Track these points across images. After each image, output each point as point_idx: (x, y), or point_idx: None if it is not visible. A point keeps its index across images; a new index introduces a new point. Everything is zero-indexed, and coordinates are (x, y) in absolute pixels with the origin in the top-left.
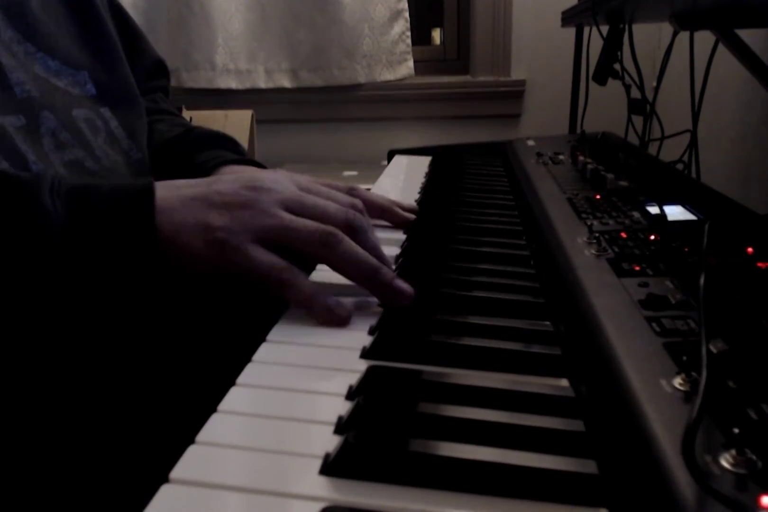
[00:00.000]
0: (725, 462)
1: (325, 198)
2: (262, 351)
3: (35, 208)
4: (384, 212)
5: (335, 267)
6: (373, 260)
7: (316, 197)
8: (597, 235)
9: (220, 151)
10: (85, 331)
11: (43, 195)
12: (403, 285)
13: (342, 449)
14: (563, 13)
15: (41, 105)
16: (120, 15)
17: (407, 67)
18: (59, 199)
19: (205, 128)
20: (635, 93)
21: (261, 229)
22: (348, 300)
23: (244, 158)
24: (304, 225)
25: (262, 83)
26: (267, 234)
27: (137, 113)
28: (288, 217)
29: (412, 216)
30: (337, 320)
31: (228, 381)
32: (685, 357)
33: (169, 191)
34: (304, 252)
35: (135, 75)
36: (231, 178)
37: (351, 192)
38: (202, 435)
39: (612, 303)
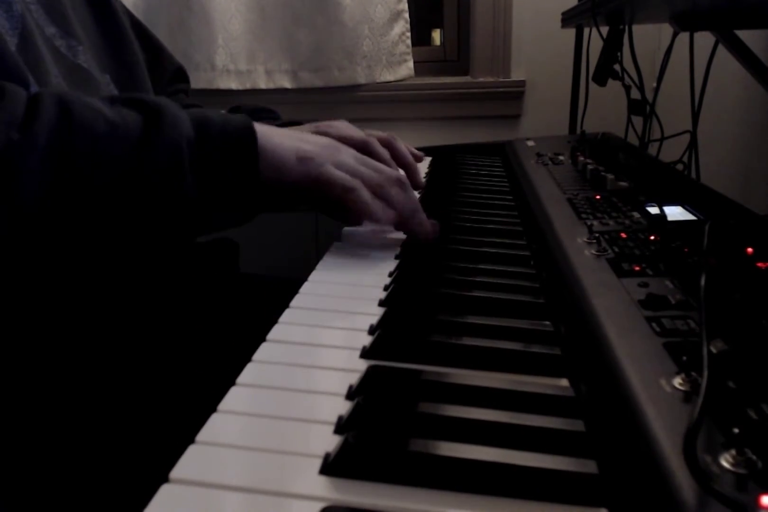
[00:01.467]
0: (725, 462)
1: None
2: (262, 351)
3: (176, 124)
4: (406, 168)
5: (390, 205)
6: (413, 204)
7: (370, 159)
8: (597, 235)
9: (267, 121)
10: (101, 327)
11: (177, 112)
12: (431, 224)
13: (342, 449)
14: (563, 14)
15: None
16: (142, 31)
17: (407, 68)
18: (187, 125)
19: (248, 104)
20: (635, 94)
21: (339, 161)
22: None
23: (289, 120)
24: (369, 172)
25: (262, 84)
26: (342, 166)
27: None
28: (358, 164)
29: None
30: (389, 217)
31: (228, 381)
32: (685, 357)
33: (268, 128)
34: (365, 188)
35: (159, 81)
36: (316, 135)
37: (388, 142)
38: (202, 435)
39: (612, 303)
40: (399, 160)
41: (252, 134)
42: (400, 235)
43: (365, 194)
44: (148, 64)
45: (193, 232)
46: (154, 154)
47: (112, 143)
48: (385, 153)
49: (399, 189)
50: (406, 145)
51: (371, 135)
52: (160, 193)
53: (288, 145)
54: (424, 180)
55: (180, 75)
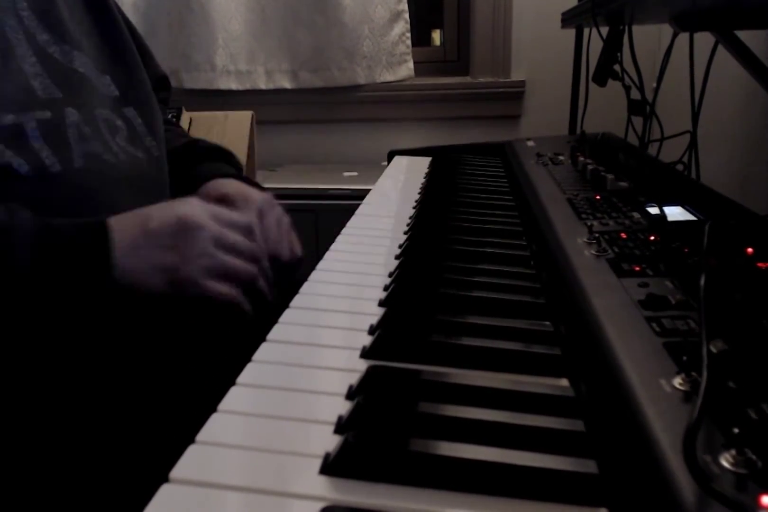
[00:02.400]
0: (725, 461)
1: (234, 227)
2: (262, 351)
3: (7, 260)
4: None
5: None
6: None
7: (231, 232)
8: (597, 235)
9: (218, 163)
10: (99, 330)
11: (15, 246)
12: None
13: (342, 449)
14: (563, 14)
15: (65, 103)
16: (132, 36)
17: (407, 68)
18: (27, 249)
19: (206, 141)
20: (635, 94)
21: (208, 267)
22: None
23: (235, 173)
24: (240, 266)
25: (262, 84)
26: (213, 270)
27: (156, 114)
28: (223, 256)
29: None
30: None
31: (228, 381)
32: (685, 357)
33: (116, 234)
34: (239, 284)
35: None
36: (159, 216)
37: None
38: (202, 434)
39: (612, 303)
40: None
41: (102, 257)
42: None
43: (245, 306)
44: None
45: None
46: None
47: None
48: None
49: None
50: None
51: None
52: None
53: (143, 264)
54: (421, 185)
55: (162, 84)
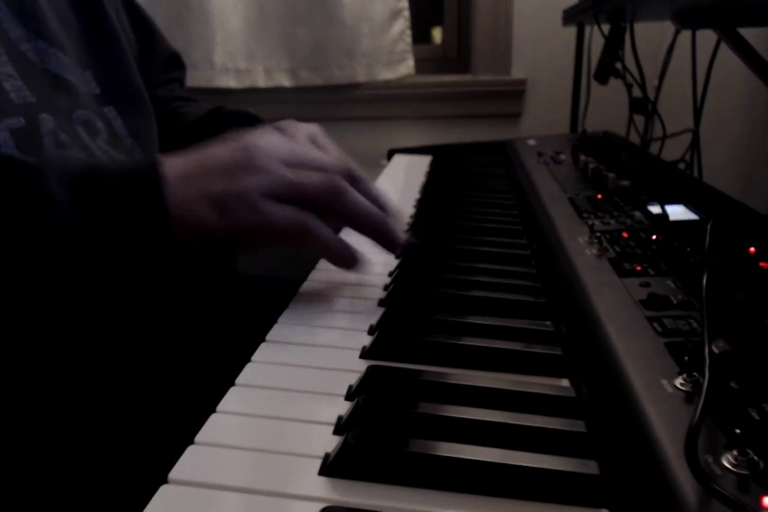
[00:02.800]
0: (727, 462)
1: (318, 150)
2: (262, 351)
3: (41, 199)
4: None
5: (343, 218)
6: (379, 212)
7: (312, 149)
8: (598, 234)
9: (242, 128)
10: (92, 325)
11: (50, 183)
12: (405, 236)
13: (341, 449)
14: (564, 11)
15: (40, 109)
16: (134, 10)
17: (407, 66)
18: (66, 187)
19: (230, 107)
20: (637, 92)
21: (267, 187)
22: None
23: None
24: (309, 177)
25: (261, 82)
26: (273, 191)
27: (142, 113)
28: (291, 172)
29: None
30: (355, 260)
31: (228, 381)
32: (686, 358)
33: (167, 168)
34: (313, 204)
35: (151, 68)
36: (224, 146)
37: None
38: (202, 435)
39: (613, 303)
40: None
41: (154, 193)
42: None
43: (323, 233)
44: (139, 48)
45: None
46: (22, 238)
47: None
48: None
49: (355, 192)
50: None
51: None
52: (50, 269)
53: (194, 193)
54: (421, 184)
55: (174, 62)
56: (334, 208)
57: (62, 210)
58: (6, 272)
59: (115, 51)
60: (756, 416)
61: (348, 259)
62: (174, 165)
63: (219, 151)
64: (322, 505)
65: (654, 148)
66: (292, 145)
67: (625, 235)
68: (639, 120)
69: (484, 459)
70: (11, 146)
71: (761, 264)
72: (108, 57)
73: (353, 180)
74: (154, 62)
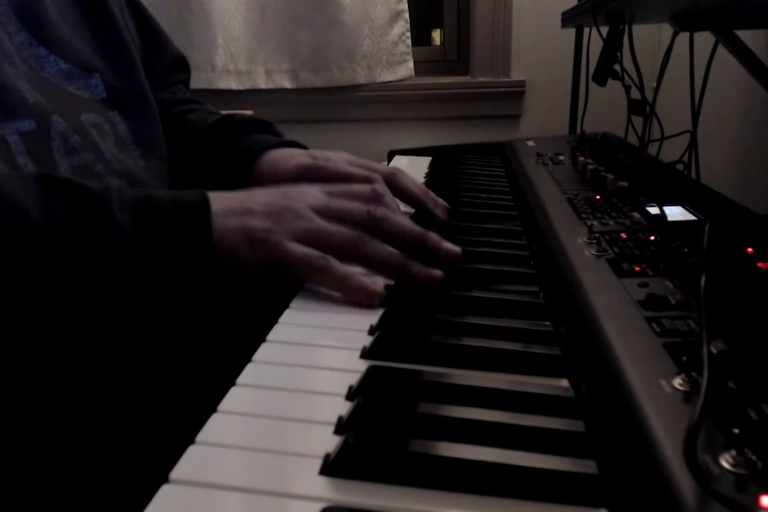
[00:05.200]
0: (725, 462)
1: (348, 195)
2: (262, 351)
3: (110, 224)
4: (416, 202)
5: (367, 266)
6: (398, 256)
7: (340, 199)
8: (597, 235)
9: (262, 135)
10: (103, 330)
11: (115, 211)
12: (430, 273)
13: (342, 449)
14: (563, 13)
15: (50, 110)
16: (139, 12)
17: (407, 68)
18: (127, 212)
19: (242, 114)
20: (635, 93)
21: (297, 231)
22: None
23: (285, 140)
24: (337, 229)
25: (262, 84)
26: (303, 235)
27: (147, 119)
28: (321, 222)
29: (442, 214)
30: (372, 296)
31: (228, 381)
32: (685, 358)
33: (214, 203)
34: (338, 253)
35: (156, 70)
36: (265, 191)
37: (390, 177)
38: (202, 435)
39: (612, 303)
40: (404, 195)
41: (204, 225)
42: None
43: (337, 271)
44: (144, 50)
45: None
46: (84, 258)
47: (35, 248)
48: (387, 193)
49: (376, 241)
50: (411, 179)
51: (374, 170)
52: (99, 285)
53: (234, 225)
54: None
55: (180, 64)
56: (355, 256)
57: (125, 231)
58: (68, 279)
59: (123, 55)
60: (754, 416)
61: (361, 296)
62: (219, 200)
63: (261, 195)
64: (322, 505)
65: (652, 149)
66: (327, 198)
67: (623, 235)
68: (637, 121)
69: (484, 459)
70: (21, 150)
71: (759, 264)
72: (115, 60)
73: (376, 221)
74: (160, 65)
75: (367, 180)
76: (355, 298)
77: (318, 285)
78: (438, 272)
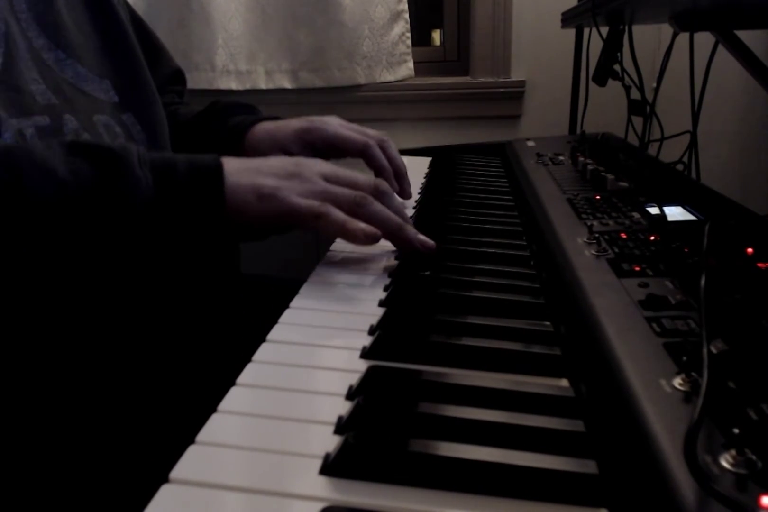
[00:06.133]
0: (725, 462)
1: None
2: (262, 351)
3: (131, 179)
4: (399, 174)
5: (364, 221)
6: (397, 218)
7: (347, 170)
8: (597, 235)
9: (248, 116)
10: (103, 328)
11: (135, 167)
12: (423, 238)
13: (342, 449)
14: (563, 14)
15: (63, 110)
16: (141, 28)
17: (407, 68)
18: (147, 168)
19: (227, 100)
20: (635, 94)
21: (305, 190)
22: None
23: (272, 115)
24: (342, 190)
25: (263, 84)
26: (308, 193)
27: (158, 118)
28: (327, 184)
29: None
30: (371, 236)
31: (228, 381)
32: (685, 358)
33: (226, 163)
34: (338, 207)
35: (155, 80)
36: (278, 159)
37: (382, 143)
38: (202, 435)
39: (612, 303)
40: (392, 164)
41: (217, 180)
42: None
43: (337, 216)
44: (145, 62)
45: (153, 270)
46: (107, 213)
47: (61, 205)
48: (381, 158)
49: (378, 203)
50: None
51: (367, 135)
52: (118, 242)
53: (245, 182)
54: (421, 185)
55: (177, 77)
56: (356, 213)
57: (145, 186)
58: (92, 236)
59: (132, 62)
60: (754, 416)
61: (358, 237)
62: (232, 161)
63: (274, 160)
64: (322, 505)
65: (652, 150)
66: (335, 168)
67: (623, 235)
68: (637, 121)
69: (484, 459)
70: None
71: (759, 264)
72: (125, 67)
73: (380, 194)
74: (158, 75)
75: (364, 145)
76: (354, 240)
77: (320, 231)
78: (431, 241)
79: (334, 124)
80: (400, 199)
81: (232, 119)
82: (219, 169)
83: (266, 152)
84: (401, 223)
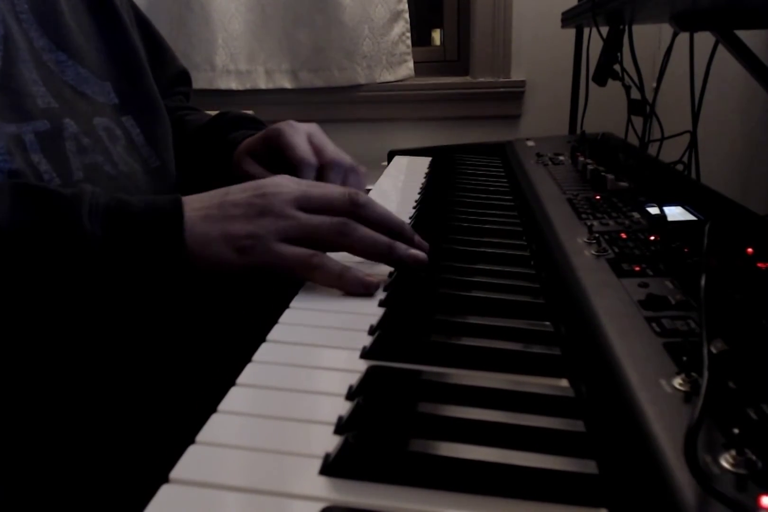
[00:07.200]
0: (725, 462)
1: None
2: (262, 351)
3: (77, 230)
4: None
5: (354, 252)
6: (384, 239)
7: (317, 188)
8: (597, 235)
9: (247, 130)
10: (102, 329)
11: (83, 217)
12: (414, 253)
13: (342, 449)
14: (563, 14)
15: (63, 114)
16: (146, 28)
17: (407, 68)
18: (97, 220)
19: (234, 111)
20: (635, 94)
21: (282, 230)
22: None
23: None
24: (320, 220)
25: (262, 84)
26: (288, 233)
27: (160, 121)
28: (303, 216)
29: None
30: (369, 286)
31: (228, 381)
32: (685, 358)
33: (188, 209)
34: (325, 244)
35: (159, 83)
36: (239, 188)
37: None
38: (202, 435)
39: (612, 303)
40: (328, 157)
41: (176, 228)
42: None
43: (332, 268)
44: (150, 64)
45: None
46: (49, 263)
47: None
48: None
49: (361, 227)
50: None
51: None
52: (69, 287)
53: (216, 233)
54: (421, 185)
55: (182, 78)
56: (342, 244)
57: (93, 240)
58: (36, 285)
59: (134, 64)
60: (754, 416)
61: (358, 288)
62: (195, 207)
63: (236, 193)
64: (322, 505)
65: (652, 150)
66: (302, 187)
67: (623, 235)
68: (637, 121)
69: (484, 459)
70: (37, 149)
71: (759, 264)
72: (127, 69)
73: (358, 206)
74: (162, 76)
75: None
76: (353, 291)
77: (315, 282)
78: (422, 254)
79: (296, 131)
80: (381, 206)
81: (231, 134)
82: (178, 217)
83: (247, 169)
84: (389, 243)
